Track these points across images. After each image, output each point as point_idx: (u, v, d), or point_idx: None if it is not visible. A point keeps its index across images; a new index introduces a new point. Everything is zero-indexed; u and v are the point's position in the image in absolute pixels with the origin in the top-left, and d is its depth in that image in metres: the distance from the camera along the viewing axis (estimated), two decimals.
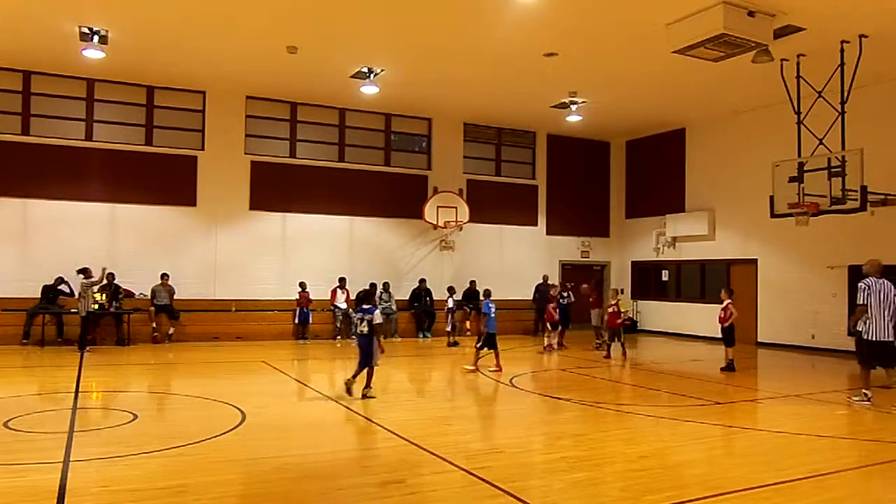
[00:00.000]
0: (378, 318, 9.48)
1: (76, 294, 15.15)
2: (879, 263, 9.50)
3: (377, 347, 9.43)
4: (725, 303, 12.97)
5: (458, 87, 16.58)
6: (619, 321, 14.38)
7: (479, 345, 12.18)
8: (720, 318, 12.98)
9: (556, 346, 15.68)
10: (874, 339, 9.31)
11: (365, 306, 9.48)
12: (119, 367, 12.50)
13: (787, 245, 16.87)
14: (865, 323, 9.35)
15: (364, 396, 9.21)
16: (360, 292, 9.87)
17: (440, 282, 18.93)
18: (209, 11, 11.95)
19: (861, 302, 9.35)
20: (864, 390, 9.56)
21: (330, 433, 7.55)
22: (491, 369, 11.93)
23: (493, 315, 12.05)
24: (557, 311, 15.79)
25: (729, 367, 12.77)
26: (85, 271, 14.17)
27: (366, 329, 9.35)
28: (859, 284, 9.48)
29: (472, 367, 12.07)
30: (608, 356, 14.26)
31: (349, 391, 9.24)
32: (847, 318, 14.82)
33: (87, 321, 14.15)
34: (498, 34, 12.60)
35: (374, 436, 7.30)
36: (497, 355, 12.04)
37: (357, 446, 6.96)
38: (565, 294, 17.00)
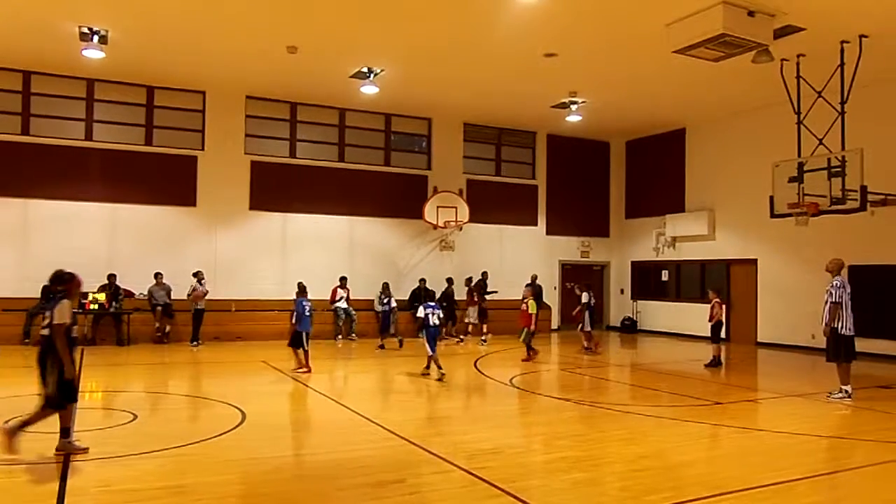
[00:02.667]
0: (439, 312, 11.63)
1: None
2: (842, 262, 10.02)
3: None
4: (712, 301, 13.38)
5: (458, 87, 16.58)
6: (531, 321, 13.70)
7: (291, 343, 11.66)
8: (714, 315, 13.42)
9: (590, 349, 15.40)
10: (849, 333, 9.63)
11: (431, 303, 11.81)
12: (119, 367, 12.50)
13: (787, 245, 16.86)
14: (838, 319, 9.62)
15: (439, 379, 10.99)
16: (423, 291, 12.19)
17: (440, 282, 18.95)
18: (209, 11, 11.95)
19: (836, 300, 9.62)
20: (843, 387, 9.65)
21: (329, 433, 7.55)
22: (298, 370, 11.42)
23: (307, 314, 11.63)
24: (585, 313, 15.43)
25: (713, 363, 13.12)
26: (198, 274, 15.49)
27: (437, 322, 11.38)
28: (833, 282, 9.72)
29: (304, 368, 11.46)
30: (528, 359, 13.58)
31: (441, 379, 11.00)
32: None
33: (199, 316, 15.45)
34: (498, 34, 12.59)
35: (374, 436, 7.30)
36: (306, 355, 11.50)
37: (357, 446, 6.96)
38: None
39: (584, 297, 15.62)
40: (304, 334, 11.56)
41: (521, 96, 17.11)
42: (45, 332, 6.19)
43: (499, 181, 20.75)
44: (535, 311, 13.81)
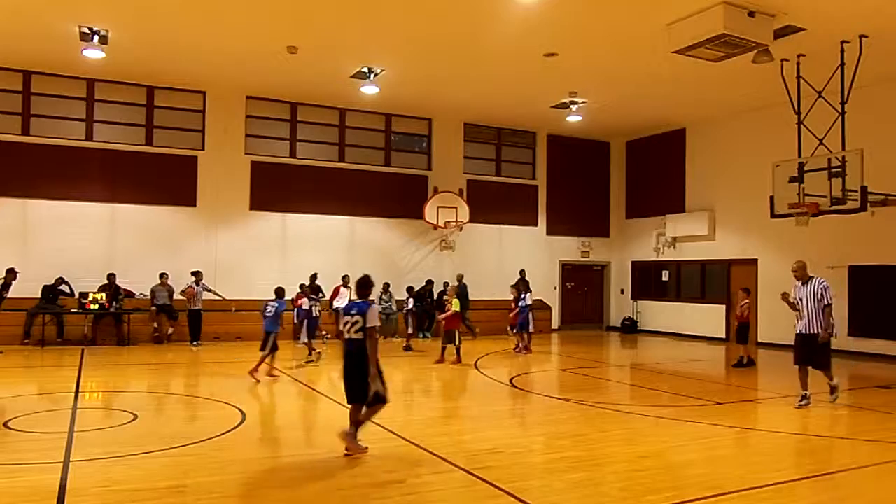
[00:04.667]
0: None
1: (76, 294, 15.23)
2: (805, 263, 9.37)
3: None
4: (745, 301, 13.47)
5: (458, 87, 16.58)
6: (458, 323, 13.41)
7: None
8: (739, 315, 13.51)
9: (525, 350, 15.19)
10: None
11: (313, 296, 13.53)
12: (119, 367, 12.50)
13: (787, 245, 16.83)
14: (833, 324, 9.29)
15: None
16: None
17: (441, 282, 18.93)
18: (209, 11, 11.95)
19: (829, 302, 9.11)
20: (806, 391, 9.18)
21: (329, 433, 7.53)
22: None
23: (268, 314, 11.17)
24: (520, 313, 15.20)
25: (749, 363, 13.31)
26: (197, 274, 15.47)
27: (318, 314, 13.66)
28: (824, 284, 9.13)
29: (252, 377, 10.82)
30: (440, 361, 13.14)
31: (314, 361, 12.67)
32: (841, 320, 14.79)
33: (195, 317, 15.47)
34: (498, 34, 12.60)
35: (374, 436, 7.29)
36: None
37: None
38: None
39: (529, 299, 15.34)
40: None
41: (521, 96, 17.10)
42: (358, 335, 6.37)
43: (499, 181, 20.75)
44: (458, 310, 13.69)
